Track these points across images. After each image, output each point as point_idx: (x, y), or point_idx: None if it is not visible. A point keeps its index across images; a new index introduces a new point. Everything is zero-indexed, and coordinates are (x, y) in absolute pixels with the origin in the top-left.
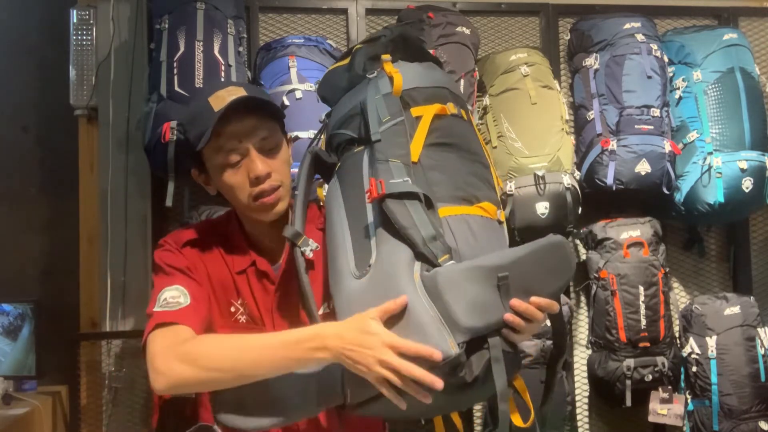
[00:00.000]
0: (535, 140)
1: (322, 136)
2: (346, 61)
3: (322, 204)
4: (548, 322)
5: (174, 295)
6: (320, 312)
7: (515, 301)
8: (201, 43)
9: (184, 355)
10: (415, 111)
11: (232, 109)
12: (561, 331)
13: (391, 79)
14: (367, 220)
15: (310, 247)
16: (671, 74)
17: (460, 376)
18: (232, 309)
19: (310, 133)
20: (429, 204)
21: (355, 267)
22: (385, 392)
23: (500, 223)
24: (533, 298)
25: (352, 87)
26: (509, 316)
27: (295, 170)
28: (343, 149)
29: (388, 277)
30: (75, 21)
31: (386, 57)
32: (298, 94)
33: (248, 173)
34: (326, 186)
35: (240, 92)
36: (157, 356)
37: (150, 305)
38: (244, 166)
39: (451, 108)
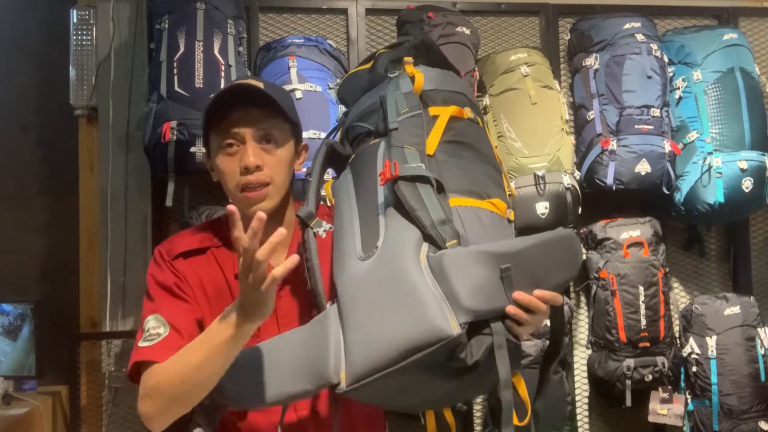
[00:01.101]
0: (535, 140)
1: (337, 134)
2: (368, 65)
3: (329, 204)
4: (547, 321)
5: (154, 326)
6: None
7: (518, 294)
8: (201, 43)
9: (149, 390)
10: (432, 110)
11: (242, 98)
12: (560, 326)
13: (412, 78)
14: (377, 203)
15: (323, 228)
16: (671, 74)
17: (460, 358)
18: None
19: (310, 133)
20: (440, 190)
21: (362, 249)
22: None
23: (509, 221)
24: (537, 291)
25: (373, 87)
26: (511, 308)
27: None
28: (359, 142)
29: (394, 258)
30: (75, 21)
31: (408, 59)
32: (298, 94)
33: (239, 161)
34: (333, 182)
35: (258, 85)
36: (139, 401)
37: (138, 332)
38: (238, 154)
39: (468, 112)
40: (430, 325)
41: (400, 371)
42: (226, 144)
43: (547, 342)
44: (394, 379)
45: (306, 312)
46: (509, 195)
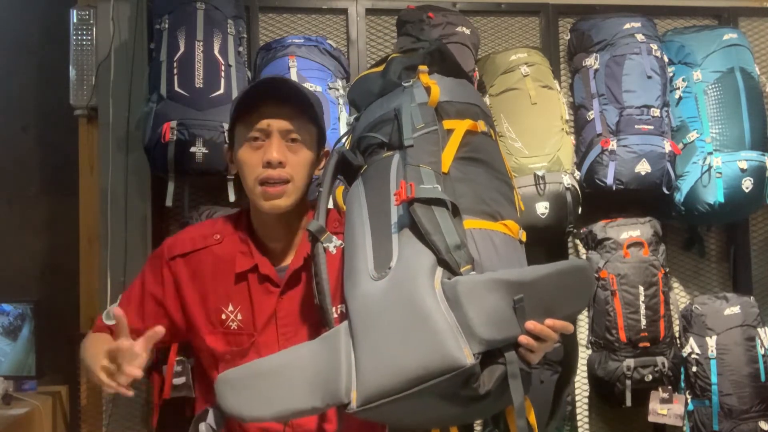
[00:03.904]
0: (535, 140)
1: (347, 138)
2: (380, 69)
3: (339, 210)
4: None
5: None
6: (334, 316)
7: (530, 324)
8: (201, 43)
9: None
10: (447, 124)
11: (276, 92)
12: (572, 353)
13: (427, 89)
14: (390, 223)
15: (333, 244)
16: (671, 74)
17: (472, 387)
18: (223, 316)
19: None
20: (456, 213)
21: (374, 269)
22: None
23: (521, 242)
24: (548, 321)
25: (385, 93)
26: (524, 338)
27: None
28: (371, 153)
29: (408, 282)
30: (75, 21)
31: (423, 68)
32: None
33: (263, 155)
34: (344, 189)
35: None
36: None
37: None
38: (263, 148)
39: (481, 125)
40: (444, 354)
41: (410, 397)
42: (251, 136)
43: (557, 344)
44: (404, 403)
45: (306, 320)
46: (520, 209)
